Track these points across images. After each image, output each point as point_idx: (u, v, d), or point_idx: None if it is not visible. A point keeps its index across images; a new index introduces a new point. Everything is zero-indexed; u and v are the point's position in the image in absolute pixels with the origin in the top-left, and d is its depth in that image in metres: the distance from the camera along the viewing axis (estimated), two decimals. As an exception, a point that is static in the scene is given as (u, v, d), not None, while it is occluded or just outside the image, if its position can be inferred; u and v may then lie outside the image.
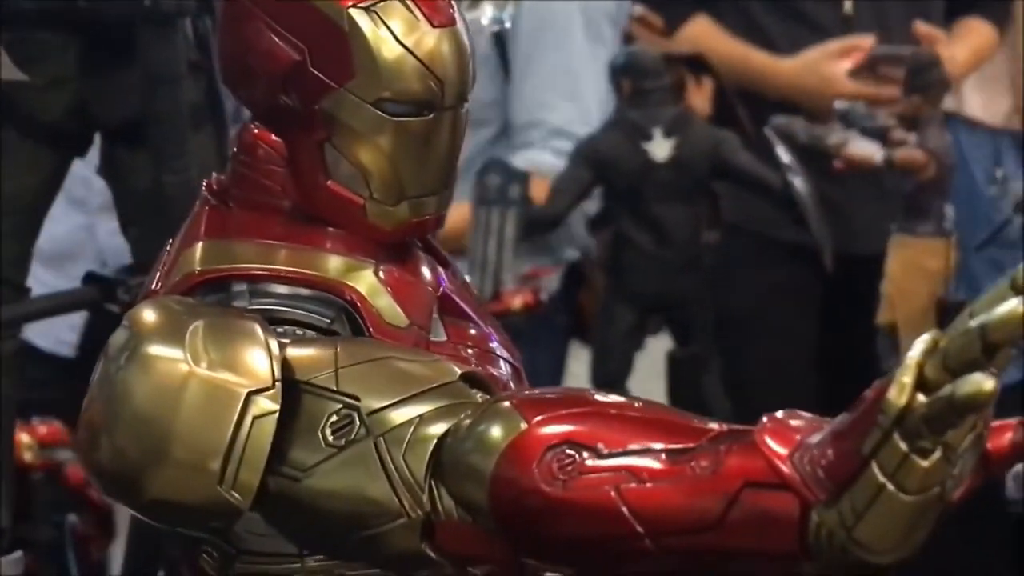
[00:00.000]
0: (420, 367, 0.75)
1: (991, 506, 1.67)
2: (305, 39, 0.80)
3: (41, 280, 2.28)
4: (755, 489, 0.63)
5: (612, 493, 0.65)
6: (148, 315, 0.76)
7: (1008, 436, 0.66)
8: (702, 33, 2.22)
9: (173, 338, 0.74)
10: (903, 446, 0.58)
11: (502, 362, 0.82)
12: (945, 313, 1.64)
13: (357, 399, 0.72)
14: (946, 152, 1.81)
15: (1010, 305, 0.56)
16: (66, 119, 1.22)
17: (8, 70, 1.10)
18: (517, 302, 1.64)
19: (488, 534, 0.70)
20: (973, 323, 0.57)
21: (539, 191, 1.83)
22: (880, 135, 1.82)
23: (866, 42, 2.05)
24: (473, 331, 0.83)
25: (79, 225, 2.22)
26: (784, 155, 1.82)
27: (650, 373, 1.79)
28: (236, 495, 0.72)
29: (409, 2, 0.80)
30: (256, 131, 0.83)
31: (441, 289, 0.86)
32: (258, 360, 0.74)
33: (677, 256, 1.62)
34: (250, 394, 0.73)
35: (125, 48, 1.20)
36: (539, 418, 0.68)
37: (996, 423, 0.64)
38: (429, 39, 0.80)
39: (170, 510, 0.74)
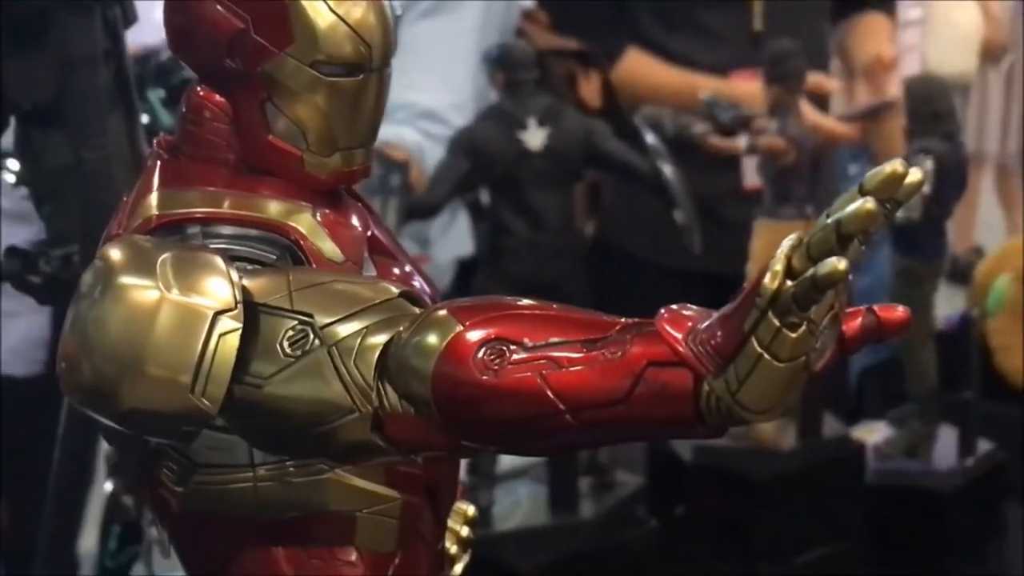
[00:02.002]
0: (363, 288, 0.81)
1: (850, 477, 1.80)
2: (248, 9, 0.85)
3: None
4: (657, 367, 0.70)
5: (536, 378, 0.72)
6: (119, 251, 0.80)
7: (859, 320, 0.74)
8: (638, 66, 2.27)
9: (144, 269, 0.78)
10: (776, 322, 0.67)
11: (426, 298, 0.87)
12: None
13: (310, 316, 0.78)
14: (805, 138, 1.84)
15: (858, 203, 0.64)
16: None
17: None
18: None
19: (429, 423, 0.76)
20: (829, 220, 0.65)
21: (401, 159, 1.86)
22: (743, 124, 1.85)
23: (831, 84, 2.10)
24: (397, 270, 0.90)
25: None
26: (653, 143, 1.81)
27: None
28: (206, 402, 0.77)
29: None
30: (202, 93, 0.87)
31: (370, 231, 0.91)
32: (221, 285, 0.78)
33: (552, 242, 1.64)
34: (216, 314, 0.77)
35: (38, 34, 1.20)
36: (470, 321, 0.75)
37: (849, 309, 0.72)
38: (357, 10, 0.85)
39: (146, 418, 0.79)
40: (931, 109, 1.77)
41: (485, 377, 0.74)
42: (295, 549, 0.88)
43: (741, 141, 1.86)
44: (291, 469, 0.85)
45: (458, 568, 1.08)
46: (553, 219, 1.70)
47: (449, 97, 2.24)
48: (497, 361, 0.74)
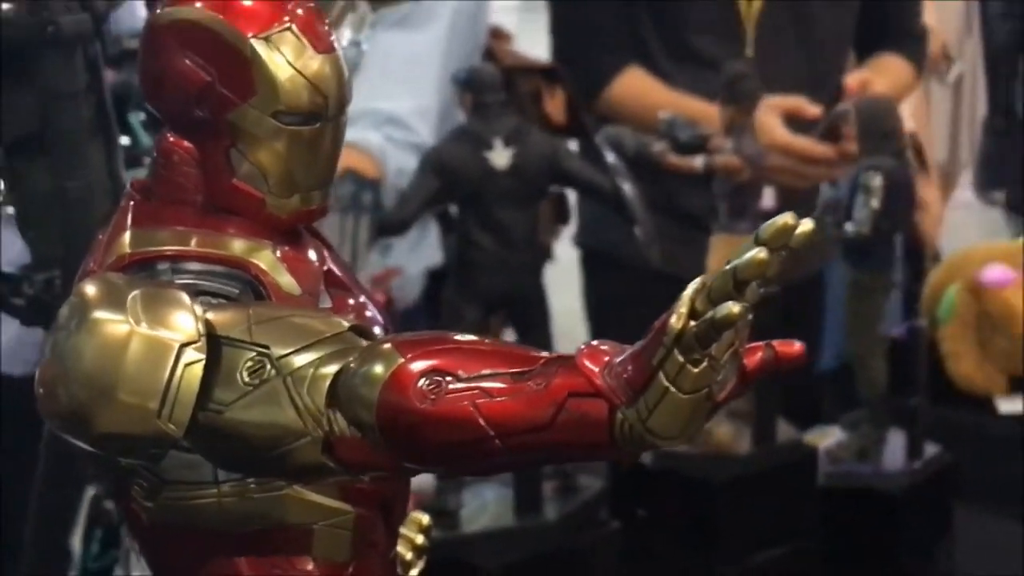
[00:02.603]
0: (317, 322, 0.85)
1: (803, 479, 1.82)
2: (214, 63, 0.88)
3: None
4: (576, 398, 0.75)
5: (470, 407, 0.77)
6: (94, 287, 0.84)
7: (759, 354, 0.79)
8: (636, 83, 2.27)
9: (116, 305, 0.82)
10: (680, 358, 0.72)
11: (377, 327, 0.92)
12: (766, 307, 1.73)
13: (267, 347, 0.82)
14: (759, 156, 1.86)
15: (752, 251, 0.69)
16: None
17: None
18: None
19: (375, 446, 0.80)
20: (728, 267, 0.71)
21: (363, 165, 1.88)
22: (700, 143, 1.87)
23: (811, 110, 2.12)
24: (352, 300, 0.94)
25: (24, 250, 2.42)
26: (614, 162, 1.84)
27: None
28: (172, 426, 0.81)
29: (298, 32, 0.89)
30: (172, 139, 0.91)
31: (326, 266, 0.96)
32: (186, 319, 0.82)
33: (517, 257, 1.68)
34: (181, 346, 0.81)
35: (24, 71, 1.21)
36: (411, 354, 0.79)
37: (750, 345, 0.77)
38: (314, 63, 0.89)
39: (117, 441, 0.82)
40: (879, 129, 1.80)
41: (424, 405, 0.78)
42: (257, 559, 0.91)
43: (698, 160, 1.87)
44: (252, 486, 0.88)
45: (414, 573, 1.13)
46: (519, 235, 1.72)
47: (412, 104, 2.25)
48: (435, 390, 0.78)
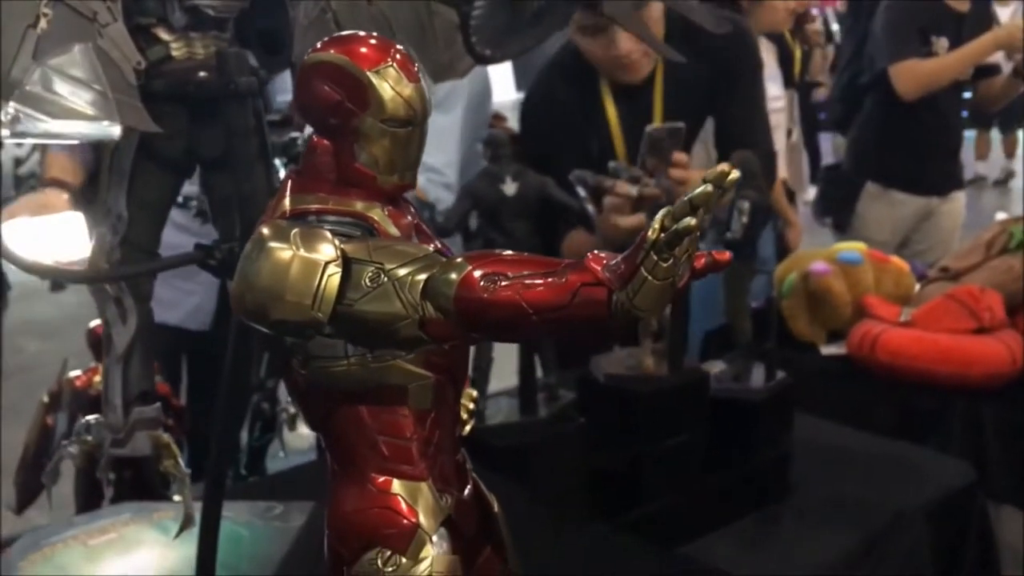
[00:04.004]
0: (412, 248, 0.89)
1: (700, 393, 1.97)
2: (343, 88, 0.94)
3: (177, 288, 2.64)
4: (586, 287, 0.81)
5: (516, 295, 0.82)
6: (267, 229, 0.89)
7: (704, 259, 0.84)
8: (581, 242, 2.40)
9: (283, 238, 0.88)
10: (655, 257, 0.78)
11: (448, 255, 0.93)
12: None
13: (382, 263, 0.88)
14: (671, 189, 2.13)
15: (702, 187, 0.75)
16: (180, 156, 1.32)
17: (148, 124, 1.16)
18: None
19: (453, 324, 0.86)
20: (685, 198, 0.76)
21: (420, 194, 2.15)
22: (635, 180, 2.15)
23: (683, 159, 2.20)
24: (432, 247, 0.94)
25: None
26: (582, 193, 2.13)
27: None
28: (320, 315, 0.87)
29: (397, 68, 0.94)
30: (316, 139, 0.96)
31: (416, 221, 1.00)
32: (328, 247, 0.88)
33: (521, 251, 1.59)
34: (326, 264, 0.87)
35: (214, 112, 1.28)
36: (475, 264, 0.84)
37: (698, 252, 0.81)
38: (408, 88, 0.95)
39: (285, 326, 0.88)
40: (748, 172, 2.01)
41: (485, 295, 0.83)
42: (372, 407, 0.96)
43: (633, 190, 2.13)
44: (369, 358, 0.94)
45: (467, 428, 1.22)
46: (522, 236, 1.94)
47: (444, 159, 2.63)
48: (491, 286, 0.84)
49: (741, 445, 2.01)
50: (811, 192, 4.27)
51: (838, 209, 4.06)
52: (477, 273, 0.84)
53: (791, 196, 2.64)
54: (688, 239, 0.77)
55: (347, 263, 0.88)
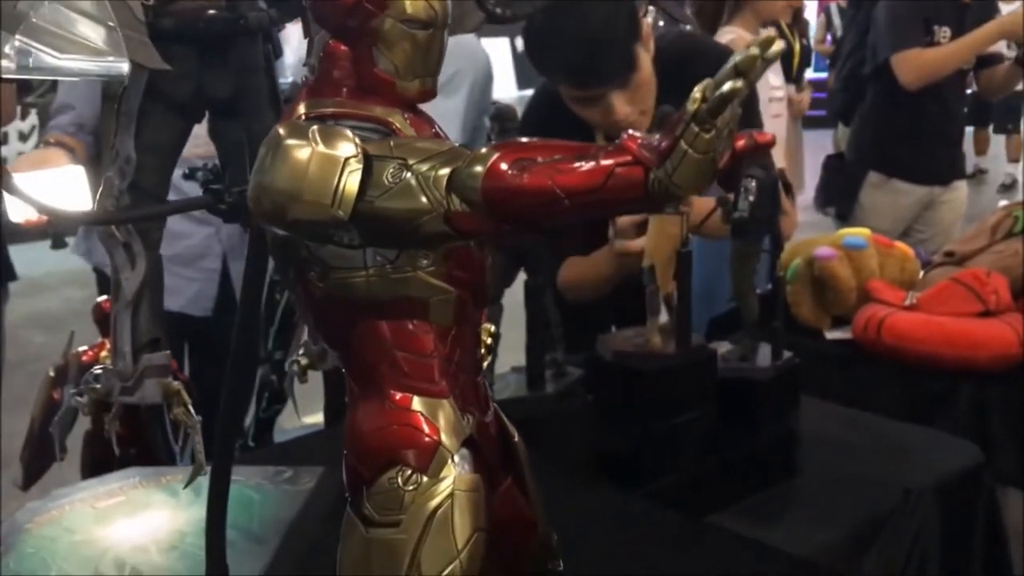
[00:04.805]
0: (435, 143, 0.88)
1: (708, 371, 1.98)
2: None
3: (178, 274, 2.63)
4: (622, 167, 0.79)
5: (547, 179, 0.81)
6: (284, 128, 0.88)
7: (743, 140, 0.86)
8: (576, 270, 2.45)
9: (301, 134, 0.86)
10: (695, 128, 0.76)
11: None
12: (681, 260, 1.87)
13: (404, 159, 0.86)
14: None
15: (748, 51, 0.74)
16: (189, 99, 1.30)
17: (156, 61, 1.15)
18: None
19: (481, 217, 0.84)
20: (729, 64, 0.75)
21: None
22: None
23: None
24: None
25: (208, 235, 2.64)
26: None
27: (515, 293, 2.03)
28: (341, 212, 0.85)
29: None
30: (333, 43, 0.94)
31: (433, 130, 0.98)
32: (348, 144, 0.86)
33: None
34: (346, 159, 0.86)
35: (223, 52, 1.27)
36: (502, 151, 0.83)
37: (737, 133, 0.80)
38: None
39: (304, 226, 0.86)
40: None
41: (515, 181, 0.81)
42: (392, 321, 0.95)
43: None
44: (389, 269, 0.93)
45: (485, 364, 1.15)
46: None
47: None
48: (520, 173, 0.82)
49: (748, 423, 2.00)
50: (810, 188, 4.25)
51: (840, 198, 4.09)
52: (504, 162, 0.82)
53: (787, 188, 2.66)
54: (731, 108, 0.75)
55: (368, 160, 0.86)
